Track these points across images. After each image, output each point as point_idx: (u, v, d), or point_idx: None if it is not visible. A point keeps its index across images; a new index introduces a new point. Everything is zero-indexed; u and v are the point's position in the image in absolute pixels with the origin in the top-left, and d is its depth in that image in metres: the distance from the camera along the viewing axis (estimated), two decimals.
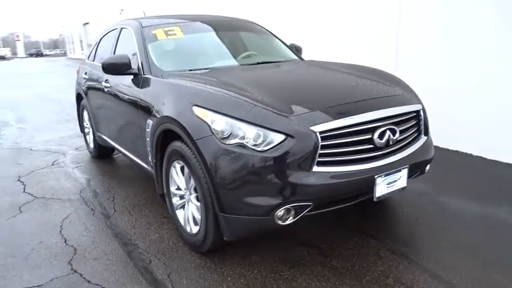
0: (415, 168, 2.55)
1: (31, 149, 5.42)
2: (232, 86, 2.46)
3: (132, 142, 3.36)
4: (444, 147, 4.56)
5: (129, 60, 3.12)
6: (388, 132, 2.26)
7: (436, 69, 4.59)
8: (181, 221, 2.67)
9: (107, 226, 3.03)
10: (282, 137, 2.08)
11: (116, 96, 3.55)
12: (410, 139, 2.49)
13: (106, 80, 3.76)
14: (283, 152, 2.06)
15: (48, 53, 73.38)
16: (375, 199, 2.27)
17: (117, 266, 2.48)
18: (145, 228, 2.96)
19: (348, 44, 5.76)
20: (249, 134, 2.10)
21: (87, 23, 32.73)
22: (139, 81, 3.09)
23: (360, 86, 2.63)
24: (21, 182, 4.10)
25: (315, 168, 2.09)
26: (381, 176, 2.23)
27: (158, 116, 2.66)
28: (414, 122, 2.55)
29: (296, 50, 4.02)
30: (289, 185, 2.07)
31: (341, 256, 2.48)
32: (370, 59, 5.02)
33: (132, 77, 3.19)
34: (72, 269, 2.46)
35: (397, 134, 2.32)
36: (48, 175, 4.28)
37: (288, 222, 2.16)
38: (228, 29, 3.82)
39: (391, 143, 2.29)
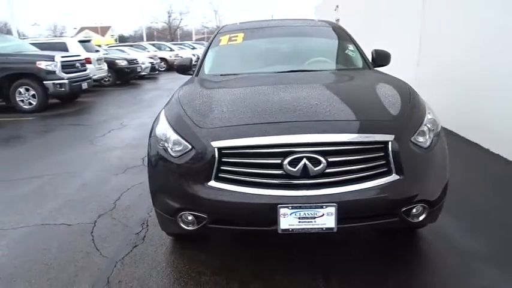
0: (372, 211, 2.09)
1: None
2: (200, 94, 2.66)
3: None
4: None
5: (190, 63, 3.65)
6: (304, 160, 1.96)
7: None
8: None
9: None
10: (188, 146, 2.17)
11: None
12: (362, 174, 2.04)
13: None
14: (185, 161, 2.15)
15: None
16: (279, 231, 2.04)
17: (117, 229, 3.10)
18: None
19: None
20: (171, 139, 2.27)
21: None
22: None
23: (324, 106, 2.28)
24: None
25: (212, 183, 2.08)
26: (287, 207, 1.99)
27: None
28: (378, 155, 2.06)
29: (375, 57, 3.55)
30: (186, 193, 2.15)
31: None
32: None
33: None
34: (94, 221, 3.24)
35: (322, 165, 1.97)
36: None
37: (190, 228, 2.24)
38: (297, 35, 3.79)
39: (311, 173, 1.98)
